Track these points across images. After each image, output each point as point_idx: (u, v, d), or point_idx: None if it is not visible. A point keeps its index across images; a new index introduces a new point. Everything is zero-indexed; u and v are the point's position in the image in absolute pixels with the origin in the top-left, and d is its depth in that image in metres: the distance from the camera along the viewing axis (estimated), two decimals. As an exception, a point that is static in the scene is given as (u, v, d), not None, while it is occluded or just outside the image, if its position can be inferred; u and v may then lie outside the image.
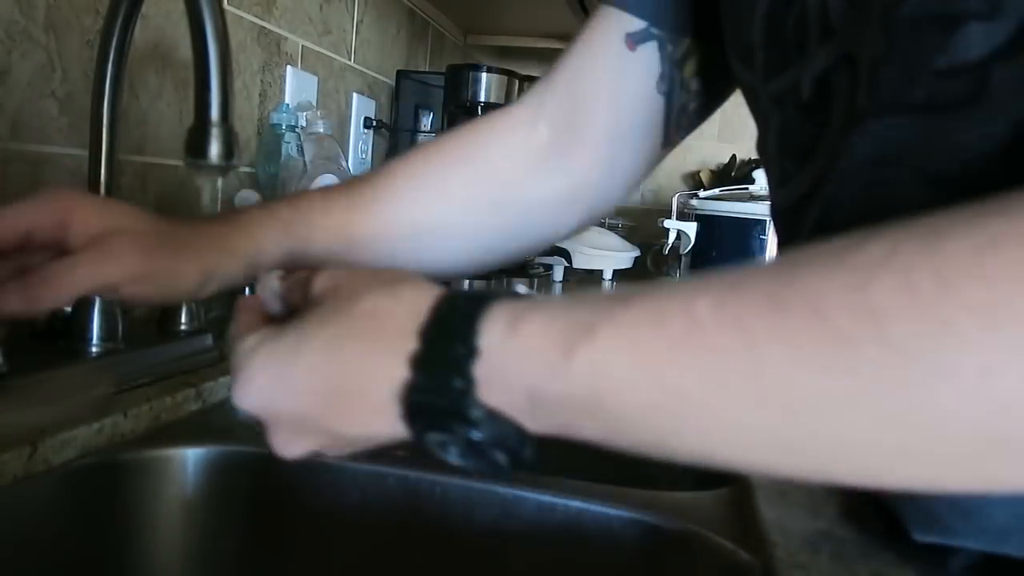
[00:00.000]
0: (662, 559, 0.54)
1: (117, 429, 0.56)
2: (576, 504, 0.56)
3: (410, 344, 0.29)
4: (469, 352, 0.28)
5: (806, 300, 0.23)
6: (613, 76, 0.55)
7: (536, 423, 0.28)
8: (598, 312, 0.26)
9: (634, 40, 0.54)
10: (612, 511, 0.56)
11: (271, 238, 0.51)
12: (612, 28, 0.55)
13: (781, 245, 0.50)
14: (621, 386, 0.26)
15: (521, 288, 0.36)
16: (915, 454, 0.23)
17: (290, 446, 0.34)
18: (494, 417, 0.28)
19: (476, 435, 0.28)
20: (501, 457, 0.29)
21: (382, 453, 0.64)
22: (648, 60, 0.54)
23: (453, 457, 0.30)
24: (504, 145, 0.57)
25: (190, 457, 0.60)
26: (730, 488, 0.59)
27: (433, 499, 0.59)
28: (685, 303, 0.25)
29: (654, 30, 0.54)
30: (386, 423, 0.30)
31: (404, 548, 0.60)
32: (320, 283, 0.34)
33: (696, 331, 0.25)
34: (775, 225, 0.50)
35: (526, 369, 0.27)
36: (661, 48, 0.55)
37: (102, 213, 0.37)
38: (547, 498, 0.57)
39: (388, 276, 0.33)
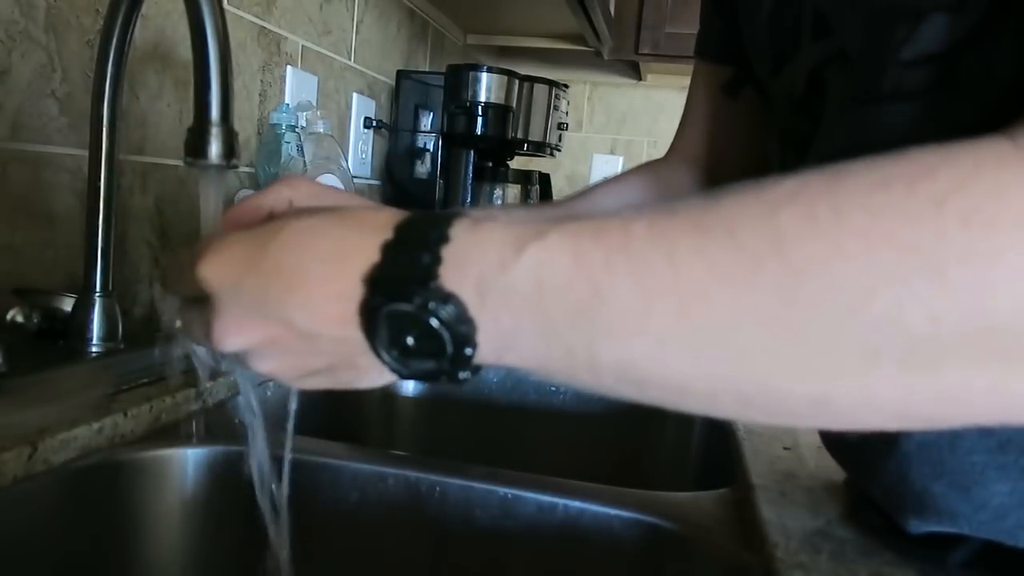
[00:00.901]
0: (662, 559, 0.54)
1: (117, 429, 0.56)
2: (576, 504, 0.56)
3: (386, 234, 0.31)
4: (440, 237, 0.30)
5: (724, 224, 0.27)
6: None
7: (481, 316, 0.30)
8: (552, 223, 0.29)
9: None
10: (612, 511, 0.56)
11: None
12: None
13: None
14: (559, 286, 0.28)
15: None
16: (809, 365, 0.26)
17: (234, 333, 0.33)
18: (449, 296, 0.30)
19: (433, 306, 0.29)
20: (449, 346, 0.30)
21: (382, 453, 0.64)
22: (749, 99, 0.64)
23: (406, 362, 0.31)
24: (663, 171, 0.71)
25: (190, 457, 0.60)
26: (730, 488, 0.59)
27: (433, 499, 0.59)
28: (625, 222, 0.28)
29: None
30: (343, 311, 0.31)
31: (404, 548, 0.60)
32: (279, 222, 0.34)
33: (629, 244, 0.28)
34: None
35: (480, 258, 0.29)
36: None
37: (318, 193, 0.38)
38: (547, 498, 0.57)
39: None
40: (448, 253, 0.30)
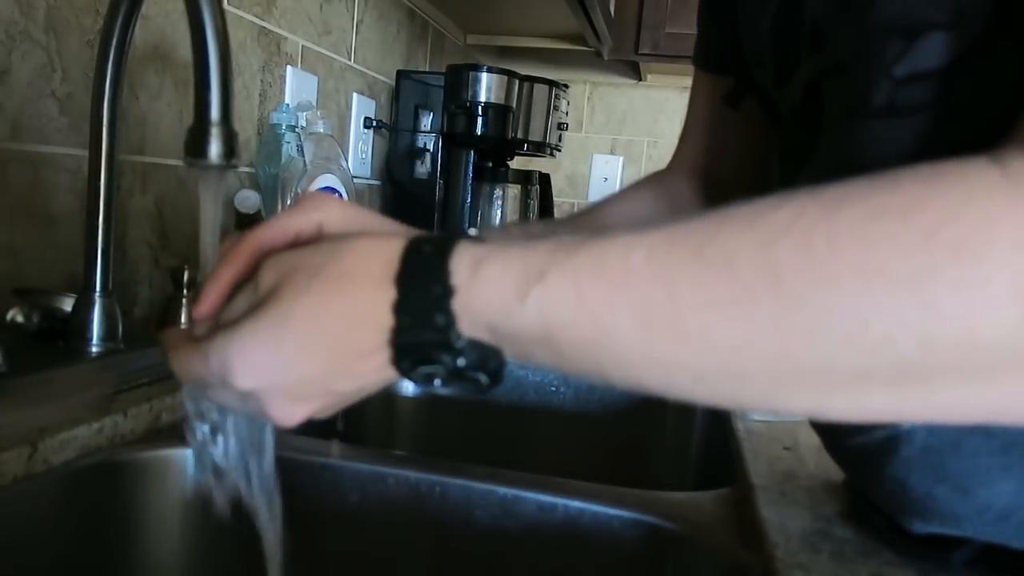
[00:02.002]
0: (662, 559, 0.54)
1: (117, 429, 0.56)
2: (576, 504, 0.56)
3: (389, 293, 0.32)
4: (445, 291, 0.31)
5: (722, 255, 0.28)
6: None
7: (500, 348, 0.32)
8: (549, 259, 0.30)
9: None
10: (612, 511, 0.56)
11: None
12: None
13: None
14: (565, 324, 0.30)
15: (472, 231, 0.38)
16: (804, 384, 0.28)
17: (290, 414, 0.35)
18: (475, 345, 0.32)
19: (462, 362, 0.32)
20: (482, 377, 0.33)
21: (382, 453, 0.64)
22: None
23: (438, 386, 0.33)
24: (667, 183, 0.71)
25: (190, 457, 0.60)
26: (730, 488, 0.59)
27: (433, 499, 0.59)
28: (623, 253, 0.29)
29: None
30: (378, 369, 0.34)
31: (404, 548, 0.60)
32: (270, 272, 0.35)
33: (629, 279, 0.29)
34: None
35: (487, 309, 0.31)
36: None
37: (348, 218, 0.39)
38: (547, 498, 0.57)
39: (335, 241, 0.35)
40: (458, 307, 0.31)
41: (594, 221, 0.66)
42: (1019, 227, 0.25)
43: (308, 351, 0.33)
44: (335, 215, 0.39)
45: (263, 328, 0.33)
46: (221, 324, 0.35)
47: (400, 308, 0.32)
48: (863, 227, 0.26)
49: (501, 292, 0.31)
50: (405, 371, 0.33)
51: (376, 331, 0.32)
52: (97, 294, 0.69)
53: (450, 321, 0.31)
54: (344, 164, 1.15)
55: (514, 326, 0.31)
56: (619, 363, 0.30)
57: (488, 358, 0.33)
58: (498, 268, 0.31)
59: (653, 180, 0.72)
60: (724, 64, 0.65)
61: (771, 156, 0.53)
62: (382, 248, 0.33)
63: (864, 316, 0.26)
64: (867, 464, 0.46)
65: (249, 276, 0.36)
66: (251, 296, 0.35)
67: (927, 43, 0.35)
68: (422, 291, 0.32)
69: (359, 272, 0.33)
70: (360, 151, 1.49)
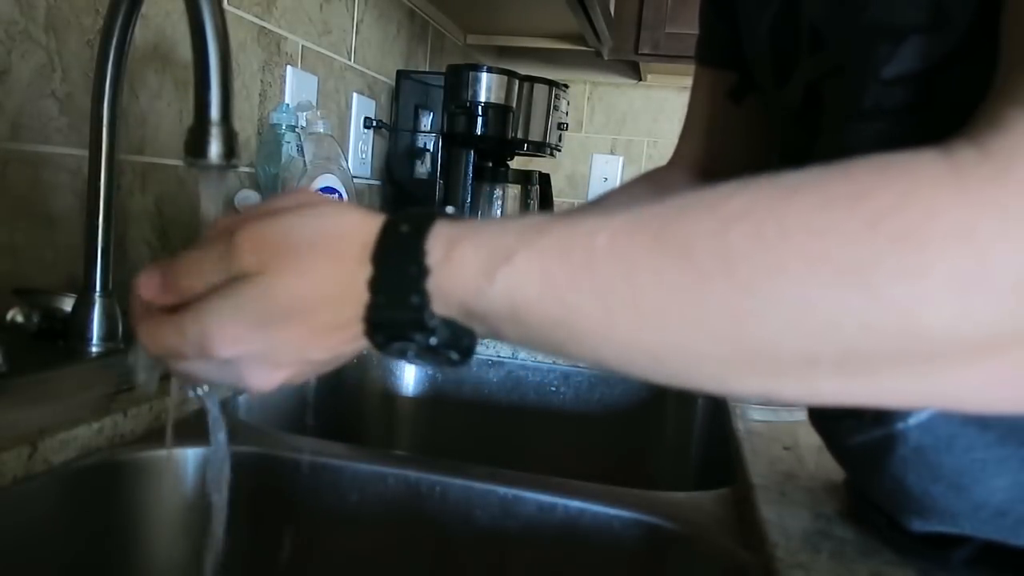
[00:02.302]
0: (662, 559, 0.54)
1: (117, 429, 0.56)
2: (576, 504, 0.56)
3: (366, 269, 0.33)
4: (421, 272, 0.32)
5: (679, 242, 0.29)
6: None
7: (470, 324, 0.34)
8: (518, 239, 0.31)
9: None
10: (612, 511, 0.56)
11: None
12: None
13: None
14: (531, 304, 0.31)
15: (449, 208, 0.38)
16: (754, 366, 0.29)
17: (267, 379, 0.36)
18: (447, 323, 0.33)
19: (434, 340, 0.33)
20: (453, 354, 0.34)
21: (382, 453, 0.64)
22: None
23: (411, 358, 0.35)
24: (666, 180, 0.69)
25: (190, 457, 0.60)
26: (730, 488, 0.59)
27: (433, 499, 0.59)
28: (588, 236, 0.30)
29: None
30: (352, 340, 0.35)
31: (404, 548, 0.60)
32: (249, 244, 0.34)
33: (592, 262, 0.30)
34: None
35: (459, 289, 0.32)
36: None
37: None
38: (547, 498, 0.57)
39: (316, 211, 0.35)
40: (432, 286, 0.32)
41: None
42: (961, 220, 0.25)
43: (287, 322, 0.34)
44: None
45: (245, 301, 0.34)
46: (192, 295, 0.35)
47: (376, 286, 0.33)
48: (813, 215, 0.27)
49: (472, 272, 0.32)
50: (379, 344, 0.34)
51: (352, 305, 0.33)
52: (97, 294, 0.69)
53: (424, 301, 0.32)
54: (344, 164, 1.15)
55: (483, 305, 0.32)
56: (581, 341, 0.31)
57: (460, 336, 0.34)
58: (470, 249, 0.32)
59: (651, 176, 0.72)
60: (727, 58, 0.65)
61: (771, 155, 0.53)
62: (361, 224, 0.34)
63: (809, 301, 0.27)
64: (866, 463, 0.46)
65: (215, 243, 0.36)
66: (225, 265, 0.35)
67: (910, 45, 0.35)
68: (398, 270, 0.33)
69: (339, 247, 0.34)
70: (360, 151, 1.49)
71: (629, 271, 0.29)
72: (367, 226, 0.34)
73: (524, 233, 0.32)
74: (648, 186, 0.70)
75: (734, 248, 0.28)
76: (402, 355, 0.35)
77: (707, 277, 0.28)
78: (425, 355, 0.34)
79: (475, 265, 0.32)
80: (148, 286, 0.36)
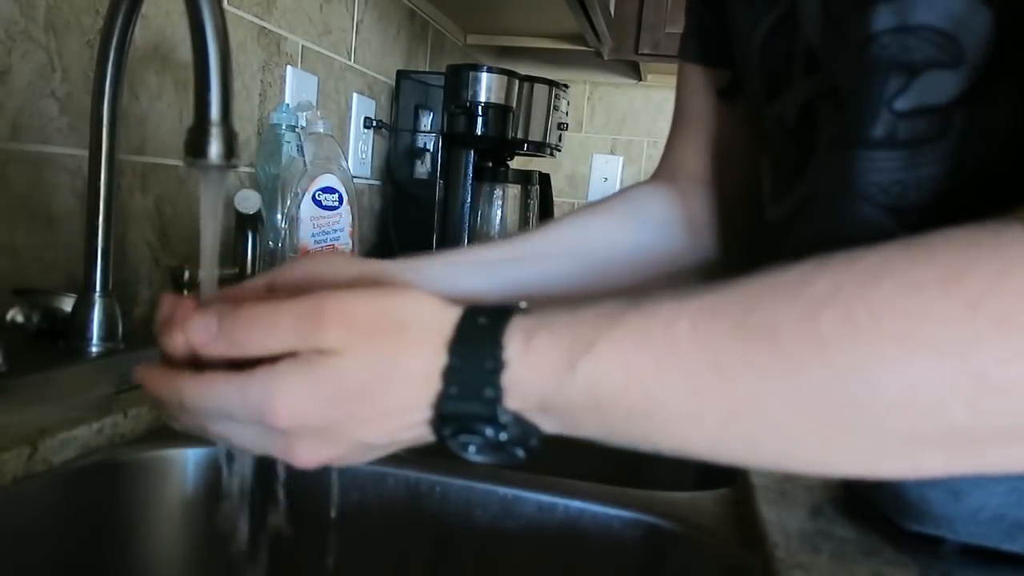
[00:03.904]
0: (662, 559, 0.54)
1: (117, 429, 0.56)
2: (576, 504, 0.56)
3: (441, 358, 0.32)
4: (497, 365, 0.31)
5: (766, 328, 0.29)
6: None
7: (546, 422, 0.33)
8: (595, 330, 0.31)
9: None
10: (612, 511, 0.56)
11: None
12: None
13: (765, 258, 0.53)
14: (615, 395, 0.30)
15: (522, 304, 0.39)
16: (857, 450, 0.29)
17: (313, 457, 0.35)
18: (518, 420, 0.32)
19: (504, 435, 0.32)
20: (520, 452, 0.33)
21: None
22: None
23: (472, 454, 0.33)
24: (649, 203, 0.62)
25: (190, 457, 0.60)
26: (730, 488, 0.59)
27: (433, 499, 0.59)
28: (667, 324, 0.30)
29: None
30: (414, 427, 0.34)
31: (404, 548, 0.60)
32: (337, 324, 0.33)
33: (676, 352, 0.30)
34: (762, 237, 0.54)
35: (539, 381, 0.31)
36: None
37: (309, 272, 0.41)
38: (547, 498, 0.57)
39: (395, 294, 0.34)
40: (508, 381, 0.31)
41: (555, 241, 0.58)
42: None
43: (357, 402, 0.33)
44: (343, 263, 0.40)
45: (323, 377, 0.33)
46: (259, 354, 0.34)
47: (450, 375, 0.32)
48: (904, 299, 0.27)
49: (552, 364, 0.31)
50: (444, 436, 0.33)
51: (422, 393, 0.33)
52: (97, 294, 0.69)
53: (498, 395, 0.32)
54: (344, 164, 1.15)
55: (563, 396, 0.31)
56: (670, 432, 0.31)
57: (529, 434, 0.33)
58: (548, 340, 0.31)
59: (631, 200, 0.63)
60: (719, 54, 0.59)
61: (760, 163, 0.52)
62: (440, 312, 0.34)
63: (912, 385, 0.27)
64: None
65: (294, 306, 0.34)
66: (307, 335, 0.33)
67: (930, 80, 0.35)
68: (474, 362, 0.32)
69: (416, 333, 0.33)
70: (360, 151, 1.49)
71: (716, 360, 0.29)
72: (446, 315, 0.33)
73: (599, 322, 0.31)
74: (630, 212, 0.61)
75: (826, 334, 0.28)
76: (463, 449, 0.34)
77: (801, 364, 0.28)
78: (489, 451, 0.33)
79: (555, 356, 0.31)
80: (201, 331, 0.34)
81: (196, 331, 0.34)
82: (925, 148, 0.36)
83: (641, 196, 0.62)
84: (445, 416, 0.33)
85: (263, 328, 0.34)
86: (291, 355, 0.33)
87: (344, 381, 0.33)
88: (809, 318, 0.28)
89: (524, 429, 0.33)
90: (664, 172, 0.65)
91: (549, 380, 0.31)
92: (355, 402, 0.33)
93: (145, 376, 0.36)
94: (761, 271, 0.31)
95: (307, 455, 0.35)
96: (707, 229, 0.61)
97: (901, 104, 0.36)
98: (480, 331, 0.33)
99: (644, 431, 0.31)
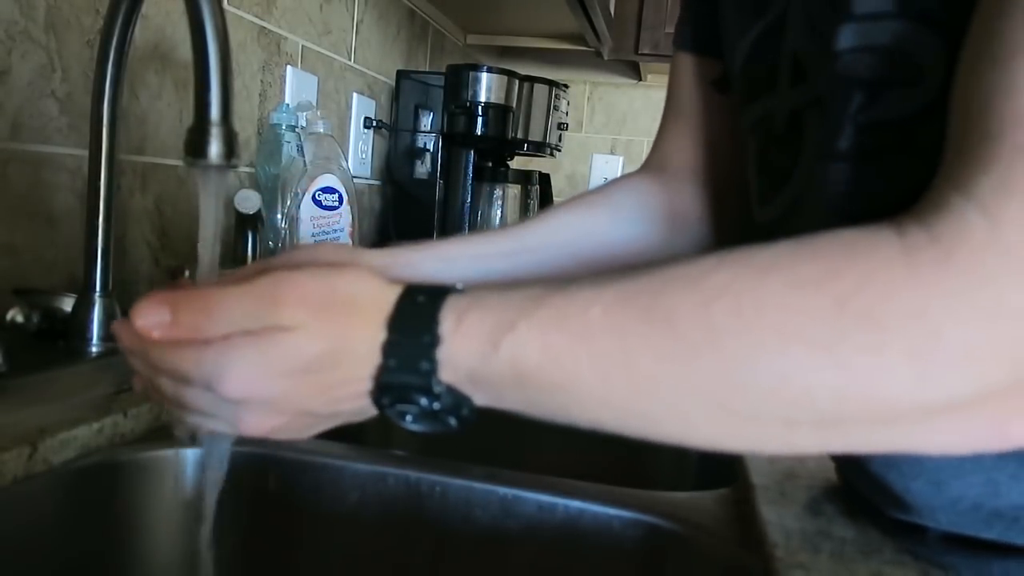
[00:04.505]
0: (662, 559, 0.54)
1: (117, 429, 0.56)
2: (576, 504, 0.56)
3: (381, 334, 0.35)
4: (433, 340, 0.34)
5: (667, 314, 0.32)
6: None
7: (477, 395, 0.36)
8: (520, 311, 0.34)
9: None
10: (612, 511, 0.56)
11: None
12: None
13: None
14: (533, 371, 0.34)
15: (458, 284, 0.40)
16: (740, 425, 0.33)
17: (261, 424, 0.37)
18: (451, 390, 0.35)
19: (437, 405, 0.35)
20: (452, 420, 0.36)
21: (382, 453, 0.64)
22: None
23: (409, 423, 0.37)
24: (637, 194, 0.63)
25: (190, 457, 0.60)
26: (730, 488, 0.59)
27: (433, 499, 0.59)
28: (583, 309, 0.33)
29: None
30: (355, 399, 0.37)
31: (404, 548, 0.60)
32: (296, 307, 0.36)
33: (588, 334, 0.33)
34: (751, 237, 0.54)
35: (468, 356, 0.34)
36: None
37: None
38: (547, 498, 0.57)
39: (341, 275, 0.37)
40: (442, 355, 0.34)
41: (543, 235, 0.58)
42: (913, 299, 0.29)
43: (305, 376, 0.36)
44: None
45: (276, 353, 0.35)
46: (215, 333, 0.36)
47: (389, 349, 0.35)
48: (785, 294, 0.31)
49: (480, 340, 0.34)
50: (382, 406, 0.36)
51: (365, 366, 0.35)
52: (97, 294, 0.69)
53: (433, 368, 0.35)
54: (344, 164, 1.15)
55: (489, 371, 0.34)
56: (582, 407, 0.34)
57: (461, 404, 0.36)
58: (477, 319, 0.34)
59: (616, 192, 0.63)
60: (713, 44, 0.58)
61: (750, 169, 0.53)
62: (382, 291, 0.36)
63: (786, 373, 0.30)
64: (852, 463, 0.49)
65: (250, 289, 0.36)
66: (263, 315, 0.36)
67: (892, 96, 0.37)
68: (413, 337, 0.35)
69: (362, 310, 0.36)
70: (360, 151, 1.49)
71: (622, 342, 0.32)
72: (387, 293, 0.36)
73: (524, 304, 0.34)
74: (616, 204, 0.61)
75: (717, 323, 0.31)
76: (401, 417, 0.36)
77: (694, 349, 0.31)
78: (425, 419, 0.36)
79: (483, 334, 0.34)
80: (150, 318, 0.37)
81: (144, 317, 0.37)
82: (888, 161, 0.38)
83: (631, 188, 0.63)
84: (384, 386, 0.35)
85: (220, 312, 0.36)
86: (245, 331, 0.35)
87: (296, 356, 0.35)
88: (704, 307, 0.31)
89: (456, 399, 0.36)
90: (654, 163, 0.65)
91: (477, 355, 0.34)
92: (304, 375, 0.36)
93: (121, 329, 0.39)
94: (673, 261, 0.34)
95: (254, 423, 0.37)
96: (696, 223, 0.61)
97: (862, 119, 0.39)
98: (418, 308, 0.35)
99: (559, 404, 0.34)
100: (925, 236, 0.30)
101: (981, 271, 0.28)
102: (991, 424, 0.31)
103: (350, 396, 0.37)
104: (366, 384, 0.36)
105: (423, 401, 0.35)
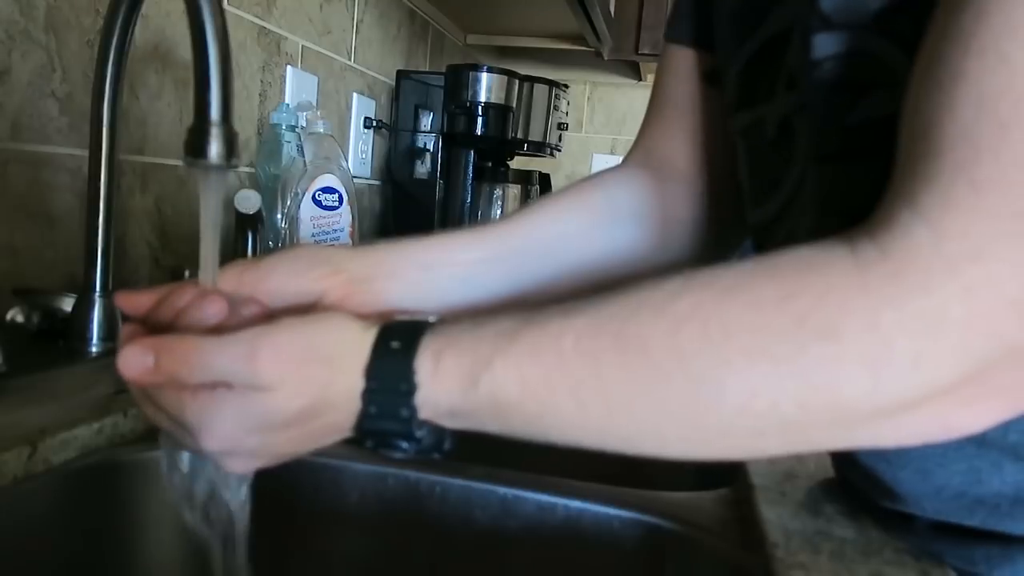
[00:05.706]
0: (662, 559, 0.54)
1: (117, 429, 0.56)
2: (576, 504, 0.56)
3: (360, 383, 0.36)
4: (410, 388, 0.36)
5: (638, 342, 0.34)
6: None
7: (456, 425, 0.38)
8: (494, 347, 0.36)
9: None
10: (612, 511, 0.56)
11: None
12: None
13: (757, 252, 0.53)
14: (513, 404, 0.35)
15: (431, 318, 0.40)
16: (710, 441, 0.35)
17: (244, 467, 0.40)
18: (432, 429, 0.37)
19: (417, 446, 0.37)
20: (435, 455, 0.39)
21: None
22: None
23: (395, 456, 0.38)
24: (618, 181, 0.61)
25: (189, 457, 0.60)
26: (730, 488, 0.59)
27: (433, 499, 0.59)
28: (555, 339, 0.35)
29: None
30: (338, 437, 0.39)
31: (404, 548, 0.60)
32: (272, 364, 0.36)
33: (562, 363, 0.35)
34: (741, 234, 0.59)
35: (447, 396, 0.36)
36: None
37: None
38: (547, 498, 0.57)
39: (319, 324, 0.38)
40: (420, 400, 0.36)
41: (523, 234, 0.56)
42: (866, 313, 0.31)
43: (285, 430, 0.37)
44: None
45: (255, 412, 0.36)
46: (195, 382, 0.37)
47: (368, 397, 0.36)
48: (748, 315, 0.33)
49: (458, 380, 0.36)
50: (366, 447, 0.38)
51: (344, 415, 0.37)
52: (97, 294, 0.69)
53: (412, 414, 0.36)
54: (344, 164, 1.15)
55: (470, 407, 0.36)
56: (561, 432, 0.36)
57: (443, 440, 0.38)
58: (453, 361, 0.36)
59: (597, 189, 0.60)
60: (706, 37, 0.57)
61: (743, 170, 0.53)
62: (360, 337, 0.38)
63: (753, 389, 0.32)
64: (843, 455, 0.51)
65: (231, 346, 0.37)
66: (242, 375, 0.36)
67: (875, 97, 0.39)
68: (390, 384, 0.36)
69: (344, 363, 0.37)
70: (360, 151, 1.49)
71: (596, 369, 0.34)
72: (363, 341, 0.37)
73: (498, 341, 0.36)
74: (600, 212, 0.58)
75: (685, 348, 0.33)
76: (387, 454, 0.38)
77: (665, 373, 0.33)
78: (409, 455, 0.38)
79: (460, 374, 0.36)
80: (133, 364, 0.37)
81: (131, 365, 0.37)
82: (874, 161, 0.38)
83: (616, 187, 0.60)
84: (366, 432, 0.37)
85: (199, 365, 0.37)
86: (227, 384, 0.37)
87: (276, 414, 0.36)
88: (672, 334, 0.33)
89: (438, 437, 0.38)
90: (638, 157, 0.62)
91: (456, 393, 0.36)
92: (285, 429, 0.37)
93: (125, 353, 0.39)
94: (638, 286, 0.36)
95: (239, 467, 0.39)
96: (684, 225, 0.59)
97: (851, 120, 0.40)
98: (393, 355, 0.37)
99: (539, 430, 0.36)
100: (876, 252, 0.32)
101: (927, 284, 0.31)
102: (936, 419, 0.33)
103: (332, 437, 0.39)
104: (347, 432, 0.38)
105: (404, 445, 0.37)
